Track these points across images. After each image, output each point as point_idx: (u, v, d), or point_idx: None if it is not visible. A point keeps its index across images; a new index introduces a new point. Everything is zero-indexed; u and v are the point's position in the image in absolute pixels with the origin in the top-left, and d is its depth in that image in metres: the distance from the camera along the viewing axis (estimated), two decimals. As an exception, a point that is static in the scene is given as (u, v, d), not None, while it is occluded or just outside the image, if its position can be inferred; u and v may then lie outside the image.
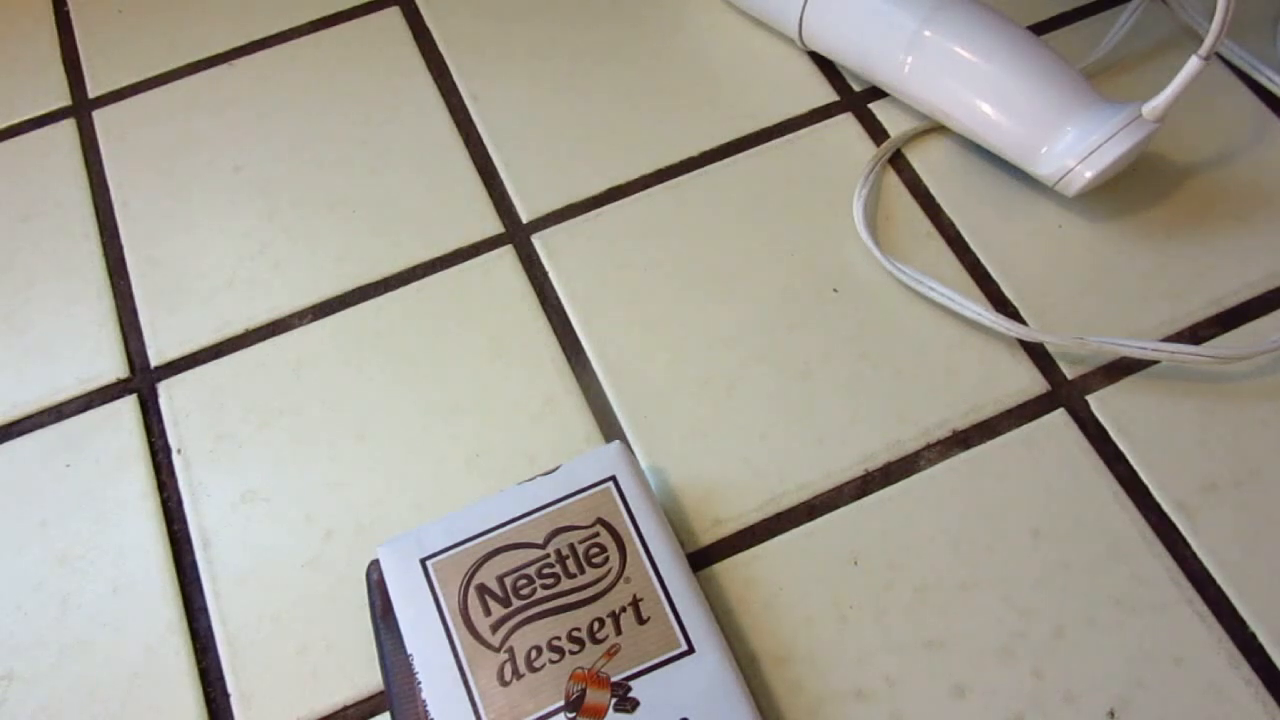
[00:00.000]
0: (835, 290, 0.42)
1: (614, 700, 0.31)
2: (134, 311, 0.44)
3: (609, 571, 0.33)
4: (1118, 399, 0.39)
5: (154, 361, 0.43)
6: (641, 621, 0.33)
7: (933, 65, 0.42)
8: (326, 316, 0.43)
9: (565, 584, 0.33)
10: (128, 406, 0.41)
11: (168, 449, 0.40)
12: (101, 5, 0.53)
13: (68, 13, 0.53)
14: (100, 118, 0.50)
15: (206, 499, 0.39)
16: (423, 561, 0.34)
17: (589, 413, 0.40)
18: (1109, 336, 0.40)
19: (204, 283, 0.44)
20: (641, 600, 0.33)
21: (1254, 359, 0.39)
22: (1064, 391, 0.40)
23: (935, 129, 0.46)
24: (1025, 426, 0.39)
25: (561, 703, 0.31)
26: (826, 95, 0.48)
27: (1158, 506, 0.37)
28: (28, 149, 0.49)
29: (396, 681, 0.33)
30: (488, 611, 0.33)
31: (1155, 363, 0.40)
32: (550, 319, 0.43)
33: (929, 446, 0.39)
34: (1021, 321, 0.41)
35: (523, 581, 0.33)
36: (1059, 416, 0.39)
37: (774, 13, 0.47)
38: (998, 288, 0.42)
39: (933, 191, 0.45)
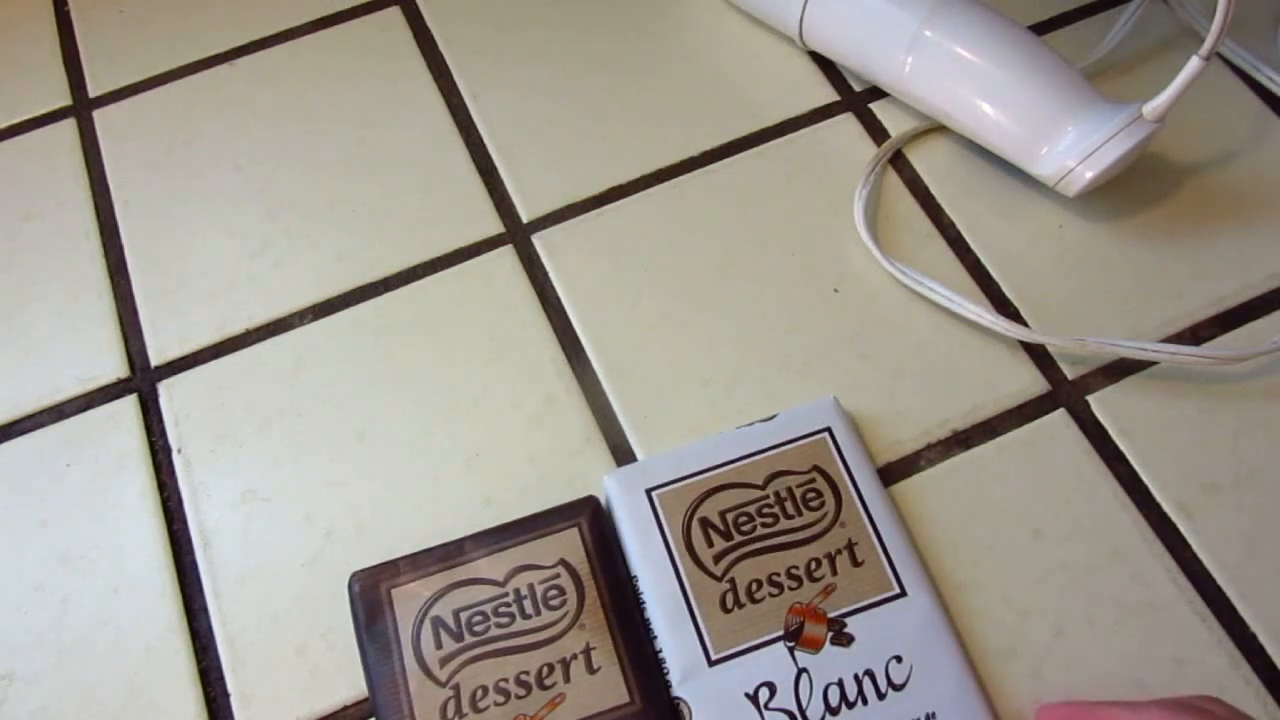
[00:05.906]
0: (835, 290, 0.42)
1: (831, 634, 0.33)
2: (134, 311, 0.44)
3: (825, 515, 0.35)
4: (1118, 399, 0.39)
5: (154, 361, 0.43)
6: (856, 564, 0.34)
7: (933, 65, 0.42)
8: (326, 316, 0.43)
9: (784, 524, 0.35)
10: (128, 406, 0.41)
11: (168, 449, 0.40)
12: (102, 5, 0.53)
13: (68, 13, 0.53)
14: (100, 118, 0.50)
15: (206, 499, 0.39)
16: (648, 491, 0.36)
17: (589, 413, 0.40)
18: (1109, 337, 0.40)
19: (204, 283, 0.44)
20: (856, 544, 0.35)
21: (1254, 359, 0.39)
22: (1064, 392, 0.40)
23: (936, 129, 0.46)
24: (1026, 427, 0.39)
25: (781, 632, 0.33)
26: (827, 95, 0.48)
27: (1158, 506, 0.37)
28: (28, 149, 0.49)
29: (382, 692, 0.33)
30: (710, 543, 0.35)
31: (1155, 363, 0.40)
32: (550, 319, 0.43)
33: (929, 446, 0.39)
34: (1022, 322, 0.41)
35: (743, 519, 0.35)
36: (1059, 417, 0.39)
37: (775, 13, 0.47)
38: (998, 288, 0.42)
39: (933, 191, 0.45)
